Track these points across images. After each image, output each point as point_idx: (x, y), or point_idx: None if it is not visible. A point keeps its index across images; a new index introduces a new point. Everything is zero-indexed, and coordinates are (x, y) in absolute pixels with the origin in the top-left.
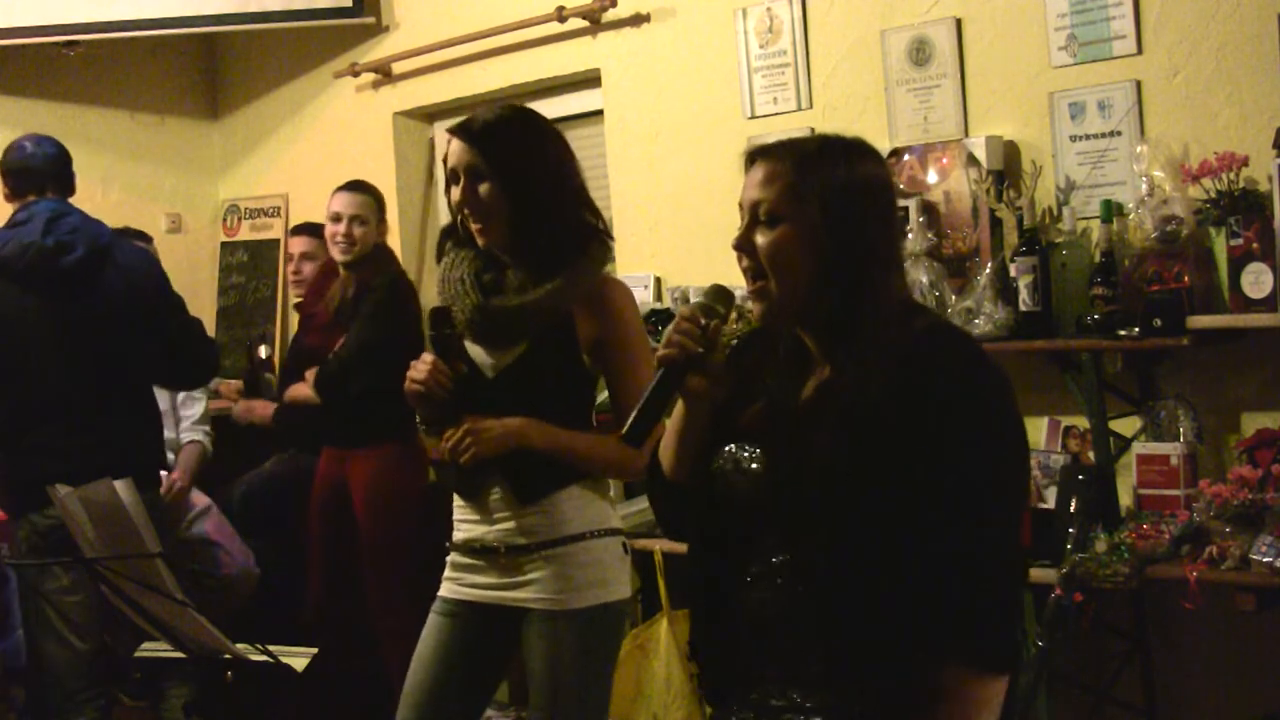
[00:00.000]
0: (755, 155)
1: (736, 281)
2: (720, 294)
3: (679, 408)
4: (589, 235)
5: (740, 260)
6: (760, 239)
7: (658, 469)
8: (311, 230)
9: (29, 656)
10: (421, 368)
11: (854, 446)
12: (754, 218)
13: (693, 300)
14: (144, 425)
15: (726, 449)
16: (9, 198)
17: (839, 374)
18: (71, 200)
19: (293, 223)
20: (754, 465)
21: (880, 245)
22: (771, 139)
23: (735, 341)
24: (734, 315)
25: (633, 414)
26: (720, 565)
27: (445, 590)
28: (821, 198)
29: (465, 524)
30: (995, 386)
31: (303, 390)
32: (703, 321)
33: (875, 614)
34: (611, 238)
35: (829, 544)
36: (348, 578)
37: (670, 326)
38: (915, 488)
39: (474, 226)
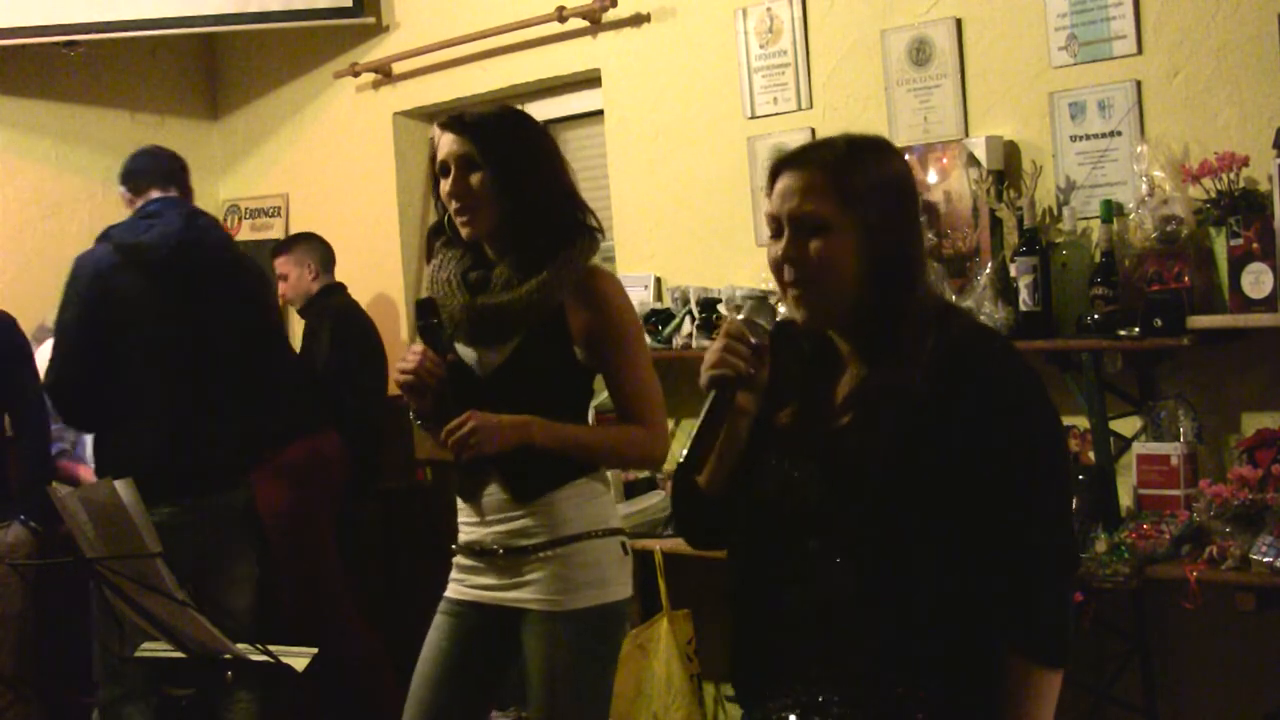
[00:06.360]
0: (782, 165)
1: (736, 281)
2: (764, 309)
3: None
4: (578, 231)
5: (783, 274)
6: (806, 249)
7: (688, 481)
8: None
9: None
10: (411, 358)
11: (903, 445)
12: (796, 229)
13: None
14: (230, 430)
15: (769, 451)
16: (132, 198)
17: (880, 373)
18: (79, 201)
19: (293, 223)
20: (798, 467)
21: (914, 241)
22: (772, 140)
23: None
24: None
25: (689, 442)
26: (759, 567)
27: (450, 591)
28: (863, 199)
29: (466, 526)
30: (1038, 385)
31: None
32: (752, 340)
33: (928, 611)
34: (602, 234)
35: (880, 541)
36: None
37: (716, 345)
38: (968, 485)
39: (461, 219)
